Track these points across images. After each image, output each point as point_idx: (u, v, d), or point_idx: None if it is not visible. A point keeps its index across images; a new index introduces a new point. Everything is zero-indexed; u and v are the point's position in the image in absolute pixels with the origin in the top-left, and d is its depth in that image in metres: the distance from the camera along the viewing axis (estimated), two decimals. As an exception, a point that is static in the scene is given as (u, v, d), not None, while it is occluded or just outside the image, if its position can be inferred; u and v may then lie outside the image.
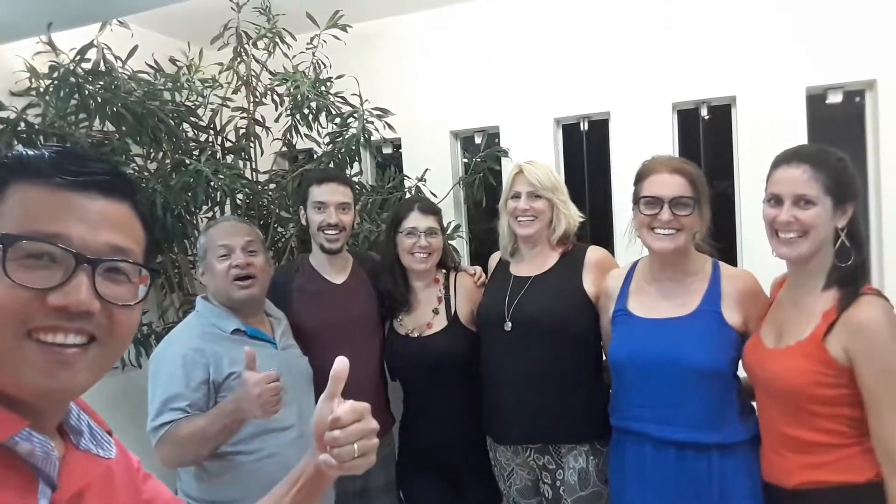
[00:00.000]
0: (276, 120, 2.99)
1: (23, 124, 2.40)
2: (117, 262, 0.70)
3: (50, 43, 2.51)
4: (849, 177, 1.51)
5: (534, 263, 2.11)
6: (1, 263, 0.63)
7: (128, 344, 0.75)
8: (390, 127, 2.94)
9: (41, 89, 2.54)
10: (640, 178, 1.81)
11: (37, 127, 2.43)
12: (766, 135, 2.72)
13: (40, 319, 0.64)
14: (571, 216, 2.10)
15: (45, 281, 0.64)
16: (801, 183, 1.48)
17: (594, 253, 2.07)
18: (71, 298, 0.65)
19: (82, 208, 0.68)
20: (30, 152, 0.70)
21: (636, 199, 1.79)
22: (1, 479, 0.63)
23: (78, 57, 2.46)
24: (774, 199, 1.54)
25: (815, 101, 2.79)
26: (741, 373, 1.75)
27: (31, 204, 0.66)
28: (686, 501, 1.70)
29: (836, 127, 2.84)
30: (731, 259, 2.83)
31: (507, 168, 2.18)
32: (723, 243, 2.88)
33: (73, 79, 2.42)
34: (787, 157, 1.54)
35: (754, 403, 1.77)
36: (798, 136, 2.68)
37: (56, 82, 2.43)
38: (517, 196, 2.07)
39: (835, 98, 2.76)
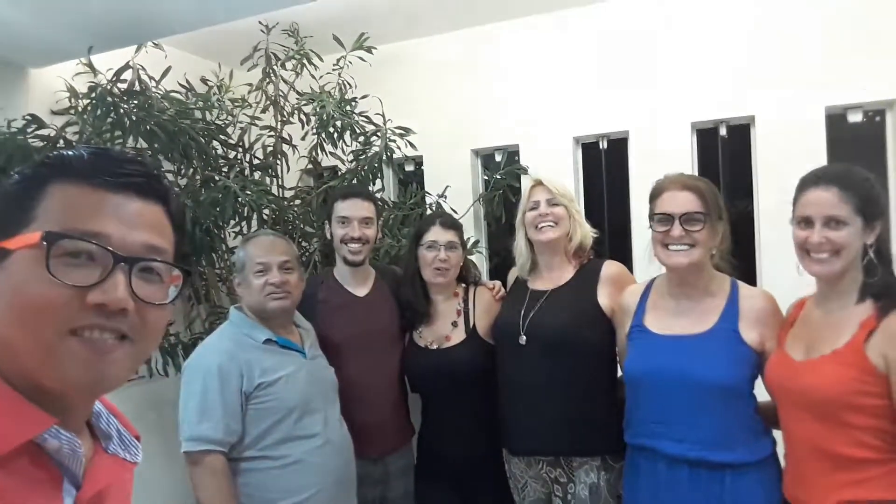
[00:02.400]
0: (303, 138, 3.08)
1: (62, 141, 2.51)
2: (152, 261, 0.71)
3: (89, 64, 2.63)
4: (876, 195, 1.52)
5: (551, 277, 2.14)
6: (44, 261, 0.64)
7: (157, 343, 0.77)
8: (412, 145, 3.01)
9: (80, 108, 2.65)
10: (653, 196, 1.83)
11: (74, 144, 2.54)
12: (785, 154, 2.74)
13: (80, 319, 0.66)
14: (585, 229, 2.14)
15: (85, 279, 0.66)
16: (831, 205, 1.49)
17: (610, 267, 2.09)
18: (109, 296, 0.66)
19: (120, 208, 0.70)
20: (70, 152, 0.72)
21: (650, 217, 1.82)
22: (29, 475, 0.64)
23: (115, 77, 2.57)
24: (804, 221, 1.54)
25: (835, 120, 2.80)
26: (757, 393, 1.75)
27: (71, 203, 0.68)
28: None
29: (856, 146, 2.85)
30: (751, 277, 2.83)
31: (527, 186, 2.22)
32: (743, 262, 2.91)
33: (109, 98, 2.53)
34: (815, 179, 1.54)
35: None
36: (818, 155, 2.69)
37: (94, 101, 2.55)
38: (536, 205, 2.11)
39: (855, 117, 2.77)
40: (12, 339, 0.65)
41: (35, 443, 0.65)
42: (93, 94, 2.55)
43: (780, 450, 1.71)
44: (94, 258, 0.67)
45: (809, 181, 1.55)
